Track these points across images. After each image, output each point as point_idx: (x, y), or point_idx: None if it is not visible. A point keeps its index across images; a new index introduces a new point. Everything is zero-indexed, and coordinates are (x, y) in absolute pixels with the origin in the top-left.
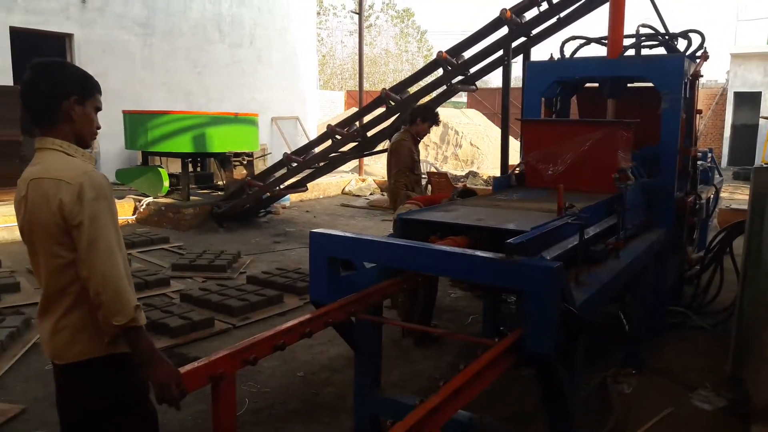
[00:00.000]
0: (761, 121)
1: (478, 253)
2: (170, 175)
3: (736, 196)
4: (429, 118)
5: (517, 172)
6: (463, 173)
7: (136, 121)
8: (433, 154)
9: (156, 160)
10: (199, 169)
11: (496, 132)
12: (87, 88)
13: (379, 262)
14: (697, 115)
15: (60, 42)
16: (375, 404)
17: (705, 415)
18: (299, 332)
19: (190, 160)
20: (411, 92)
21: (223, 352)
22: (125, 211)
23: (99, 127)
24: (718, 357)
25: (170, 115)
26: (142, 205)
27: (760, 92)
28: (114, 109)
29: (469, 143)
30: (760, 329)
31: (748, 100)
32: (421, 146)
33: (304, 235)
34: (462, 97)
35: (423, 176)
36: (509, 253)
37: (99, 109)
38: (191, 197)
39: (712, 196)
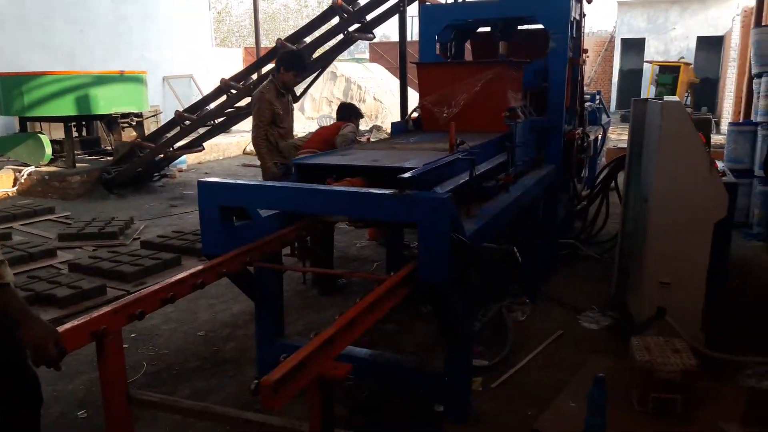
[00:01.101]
0: (645, 66)
1: (372, 190)
2: (53, 142)
3: (623, 137)
4: (292, 66)
5: (414, 116)
6: (368, 128)
7: (10, 84)
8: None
9: (36, 126)
10: (84, 133)
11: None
12: None
13: (274, 207)
14: (584, 55)
15: None
16: (278, 351)
17: (592, 334)
18: (190, 284)
19: (73, 124)
20: (308, 42)
21: (106, 308)
22: (4, 183)
23: None
24: (604, 283)
25: (48, 76)
26: (23, 175)
27: (644, 38)
28: None
29: (372, 98)
30: (638, 253)
31: (633, 46)
32: (323, 102)
33: None
34: (364, 52)
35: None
36: (402, 187)
37: None
38: (78, 164)
39: (600, 135)
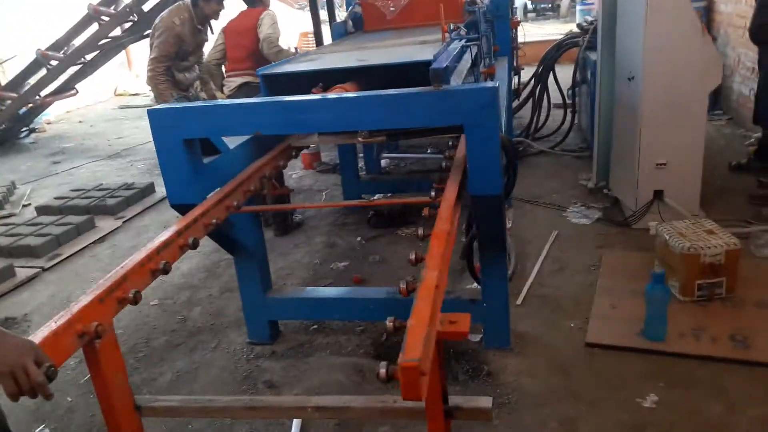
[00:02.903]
0: None
1: (403, 90)
2: None
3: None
4: None
5: (351, 19)
6: None
7: None
8: None
9: None
10: None
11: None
12: None
13: (269, 131)
14: None
15: None
16: (271, 308)
17: (586, 229)
18: (179, 245)
19: None
20: None
21: (88, 297)
22: None
23: None
24: (568, 175)
25: None
26: None
27: None
28: None
29: None
30: (625, 137)
31: None
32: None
33: (88, 148)
34: None
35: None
36: (437, 81)
37: None
38: None
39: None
